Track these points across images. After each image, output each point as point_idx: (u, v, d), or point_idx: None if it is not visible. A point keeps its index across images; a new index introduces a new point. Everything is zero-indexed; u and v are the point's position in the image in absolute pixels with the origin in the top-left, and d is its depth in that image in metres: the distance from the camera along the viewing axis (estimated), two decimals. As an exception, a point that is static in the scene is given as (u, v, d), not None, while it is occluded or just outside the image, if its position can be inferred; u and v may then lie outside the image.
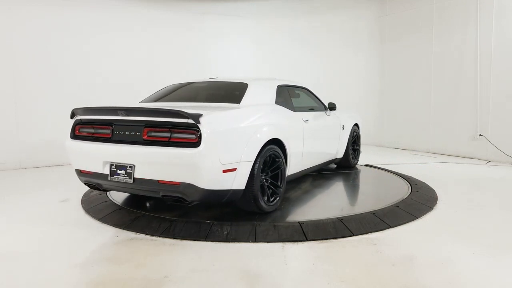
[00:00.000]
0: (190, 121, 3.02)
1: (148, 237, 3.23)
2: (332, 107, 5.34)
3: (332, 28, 9.61)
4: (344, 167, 6.06)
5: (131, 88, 7.66)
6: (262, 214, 3.60)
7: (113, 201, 4.17)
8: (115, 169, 3.33)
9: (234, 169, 3.25)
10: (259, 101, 4.01)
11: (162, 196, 3.23)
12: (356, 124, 6.14)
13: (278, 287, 2.37)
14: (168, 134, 3.14)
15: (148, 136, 3.22)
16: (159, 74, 7.94)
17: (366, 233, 3.24)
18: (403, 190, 4.54)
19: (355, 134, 6.08)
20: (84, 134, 3.65)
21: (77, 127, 3.70)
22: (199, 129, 3.01)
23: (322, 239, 3.11)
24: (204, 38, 8.43)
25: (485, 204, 4.23)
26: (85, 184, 3.76)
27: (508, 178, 5.57)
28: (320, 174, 5.57)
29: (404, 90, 8.85)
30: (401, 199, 4.11)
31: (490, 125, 7.04)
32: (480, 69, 7.15)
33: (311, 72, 9.42)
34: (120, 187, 3.44)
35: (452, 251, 2.88)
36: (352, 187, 5.13)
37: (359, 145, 6.32)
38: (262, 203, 3.54)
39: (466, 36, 7.39)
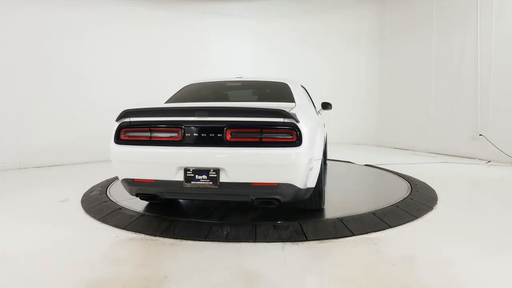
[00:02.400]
0: (287, 120, 2.96)
1: (148, 237, 3.23)
2: (325, 106, 5.36)
3: (333, 27, 9.62)
4: None
5: (131, 88, 7.67)
6: (262, 215, 3.61)
7: (113, 201, 4.17)
8: (192, 175, 3.05)
9: (312, 168, 3.24)
10: (302, 101, 4.01)
11: (253, 199, 3.09)
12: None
13: (278, 287, 2.37)
14: (259, 135, 3.00)
15: (233, 137, 3.02)
16: (159, 74, 7.95)
17: (366, 233, 3.24)
18: (403, 190, 4.53)
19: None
20: (135, 138, 3.21)
21: (123, 130, 3.23)
22: (297, 128, 2.97)
23: (322, 239, 3.11)
24: (204, 37, 8.43)
25: (485, 204, 4.22)
26: (137, 195, 3.34)
27: (508, 178, 5.56)
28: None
29: (404, 90, 8.85)
30: (401, 199, 4.11)
31: (490, 125, 7.04)
32: (480, 69, 7.15)
33: (311, 72, 9.43)
34: (199, 194, 3.15)
35: (452, 251, 2.88)
36: (351, 186, 5.12)
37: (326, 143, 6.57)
38: (323, 199, 3.62)
39: (466, 36, 7.39)
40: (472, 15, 7.24)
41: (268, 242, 3.08)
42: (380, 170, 6.01)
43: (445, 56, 7.84)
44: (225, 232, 3.20)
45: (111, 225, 3.52)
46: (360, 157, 7.33)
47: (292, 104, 3.68)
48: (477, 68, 7.18)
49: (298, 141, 2.97)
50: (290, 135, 2.98)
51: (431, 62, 8.11)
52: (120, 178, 3.31)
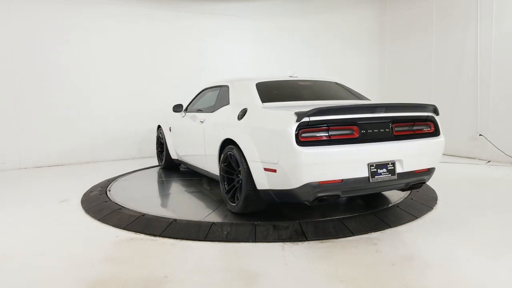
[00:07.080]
0: (430, 113, 3.50)
1: (148, 237, 3.23)
2: None
3: (333, 27, 9.61)
4: None
5: (131, 88, 7.67)
6: (262, 214, 3.61)
7: (113, 201, 4.17)
8: (375, 170, 3.18)
9: None
10: None
11: (410, 185, 3.46)
12: None
13: (278, 287, 2.37)
14: (412, 128, 3.44)
15: (396, 131, 3.35)
16: (159, 74, 7.94)
17: (366, 233, 3.25)
18: (403, 190, 4.54)
19: None
20: (315, 138, 3.05)
21: (301, 131, 3.01)
22: (435, 120, 3.55)
23: (322, 239, 3.11)
24: (204, 37, 8.42)
25: (485, 204, 4.22)
26: (316, 198, 3.09)
27: (508, 178, 5.56)
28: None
29: (404, 90, 8.85)
30: (401, 199, 4.11)
31: (490, 125, 7.03)
32: (480, 69, 7.14)
33: (311, 72, 9.41)
34: (380, 187, 3.39)
35: (452, 251, 2.88)
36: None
37: None
38: None
39: (466, 36, 7.38)
40: (472, 15, 7.24)
41: (268, 242, 3.08)
42: (380, 170, 6.00)
43: (445, 56, 7.83)
44: (225, 232, 3.20)
45: (111, 225, 3.53)
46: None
47: (369, 101, 4.17)
48: (477, 68, 7.18)
49: (436, 132, 3.55)
50: (429, 127, 3.54)
51: (431, 62, 8.11)
52: (301, 183, 3.01)
